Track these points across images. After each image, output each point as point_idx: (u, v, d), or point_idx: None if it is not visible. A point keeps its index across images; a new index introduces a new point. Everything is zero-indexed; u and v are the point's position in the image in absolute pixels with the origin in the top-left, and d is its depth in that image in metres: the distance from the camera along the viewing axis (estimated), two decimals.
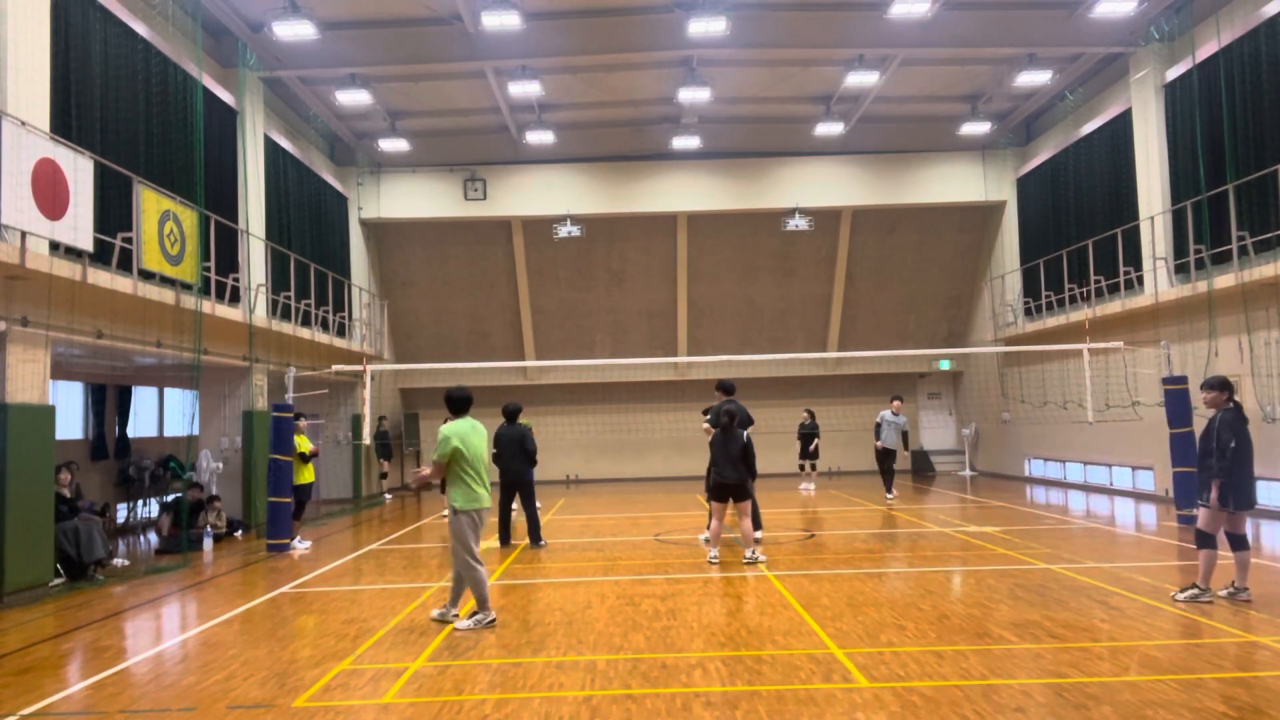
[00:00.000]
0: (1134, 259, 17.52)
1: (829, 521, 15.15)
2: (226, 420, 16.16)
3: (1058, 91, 20.51)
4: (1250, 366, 14.30)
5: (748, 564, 10.73)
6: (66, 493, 11.88)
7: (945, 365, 26.21)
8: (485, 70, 18.13)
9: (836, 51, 18.19)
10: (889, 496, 17.83)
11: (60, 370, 13.93)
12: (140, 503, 16.90)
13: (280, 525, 13.25)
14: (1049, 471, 21.86)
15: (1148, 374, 16.28)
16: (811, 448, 20.84)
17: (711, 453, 11.11)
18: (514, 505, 13.28)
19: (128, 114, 13.06)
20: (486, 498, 8.08)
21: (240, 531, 15.16)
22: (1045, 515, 15.30)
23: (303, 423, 13.93)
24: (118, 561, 12.17)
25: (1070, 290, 19.74)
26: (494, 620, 7.99)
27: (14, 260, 9.42)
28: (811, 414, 21.08)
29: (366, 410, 16.17)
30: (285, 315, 17.46)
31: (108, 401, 16.80)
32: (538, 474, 13.47)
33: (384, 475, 22.92)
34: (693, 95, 19.05)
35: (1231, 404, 8.18)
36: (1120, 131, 18.40)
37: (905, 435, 18.14)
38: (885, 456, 18.00)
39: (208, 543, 13.91)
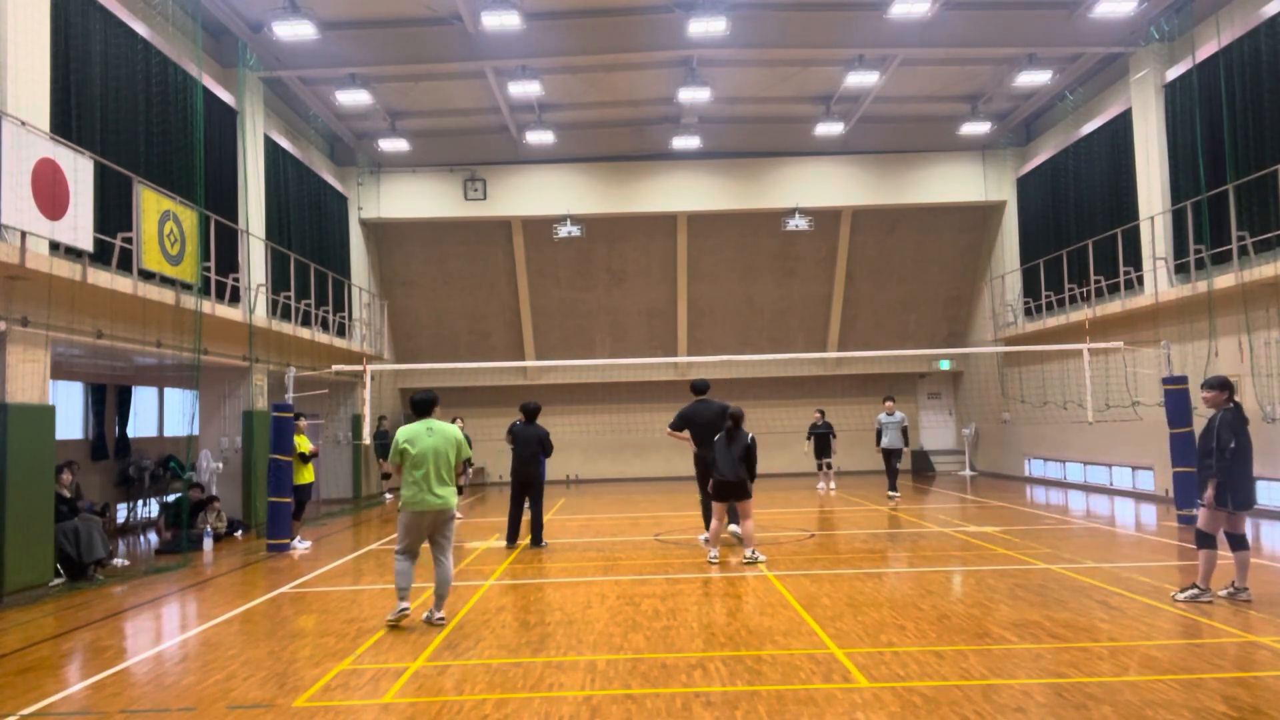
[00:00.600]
0: (1134, 259, 17.52)
1: (829, 521, 15.15)
2: (226, 420, 16.15)
3: (1058, 91, 20.51)
4: (1250, 366, 14.29)
5: (747, 563, 10.74)
6: (67, 493, 11.88)
7: (945, 365, 26.21)
8: (485, 70, 18.13)
9: (836, 51, 18.18)
10: (892, 495, 17.84)
11: (60, 370, 13.93)
12: (140, 503, 16.90)
13: (280, 525, 13.25)
14: (1049, 471, 21.86)
15: (1148, 374, 16.28)
16: (832, 447, 20.79)
17: (715, 452, 11.11)
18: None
19: (128, 114, 13.05)
20: (429, 501, 7.96)
21: (240, 531, 15.16)
22: (1045, 515, 15.30)
23: (303, 423, 13.93)
24: (118, 561, 12.17)
25: (1070, 290, 19.74)
26: (404, 610, 8.00)
27: (14, 260, 9.42)
28: (823, 413, 21.01)
29: (366, 410, 16.16)
30: (285, 315, 17.46)
31: (108, 401, 16.80)
32: None
33: (386, 475, 22.90)
34: (693, 95, 19.04)
35: (1231, 404, 8.19)
36: (1120, 131, 18.40)
37: (905, 432, 18.16)
38: (890, 456, 18.05)
39: (208, 543, 13.91)
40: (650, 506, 18.29)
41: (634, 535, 13.86)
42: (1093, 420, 15.96)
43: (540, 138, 21.45)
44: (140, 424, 17.79)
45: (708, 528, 12.15)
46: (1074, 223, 20.22)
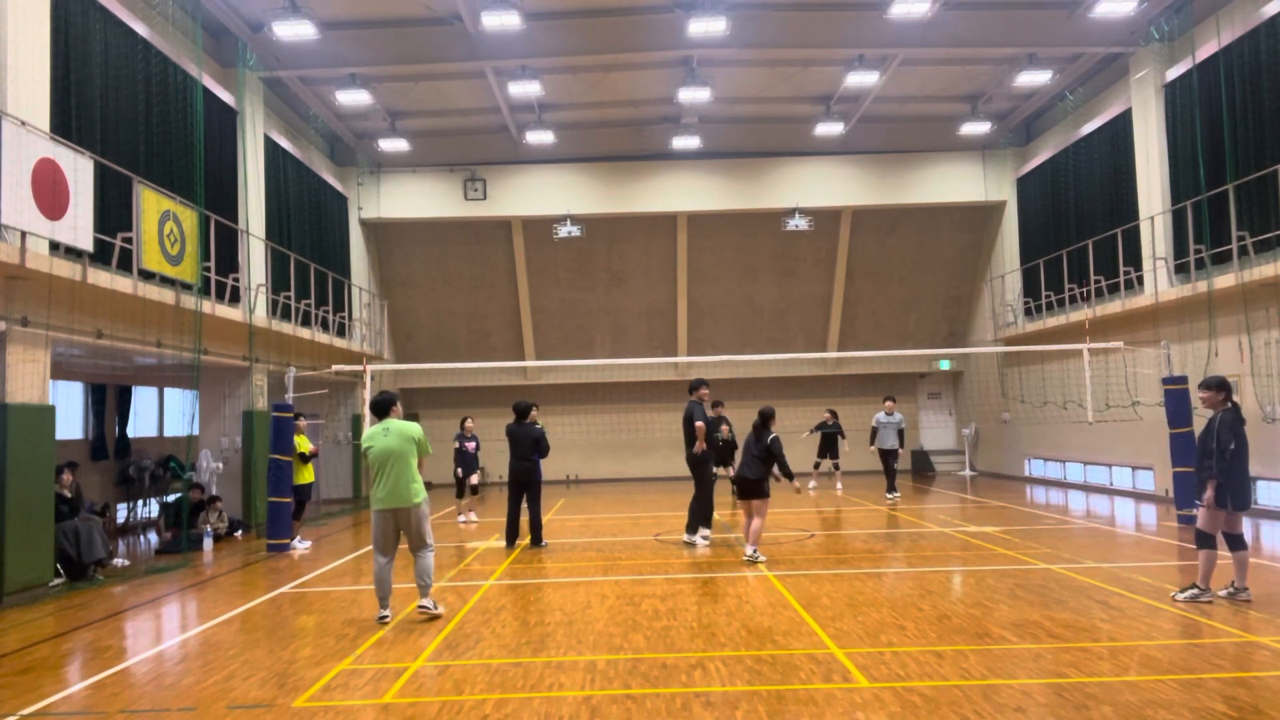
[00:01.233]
0: (1134, 259, 17.52)
1: (829, 521, 15.15)
2: (226, 420, 16.16)
3: (1058, 91, 20.51)
4: (1250, 366, 14.29)
5: (748, 562, 10.75)
6: (67, 493, 11.89)
7: (945, 365, 26.21)
8: (485, 70, 18.13)
9: (836, 51, 18.18)
10: (890, 496, 17.83)
11: (60, 370, 13.93)
12: (140, 503, 16.90)
13: (280, 525, 13.25)
14: (1049, 471, 21.86)
15: (1148, 374, 16.28)
16: (838, 448, 20.63)
17: (741, 450, 11.43)
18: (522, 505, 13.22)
19: (128, 114, 13.06)
20: (388, 500, 8.14)
21: (240, 531, 15.16)
22: (1045, 515, 15.30)
23: (303, 423, 13.93)
24: (118, 561, 12.17)
25: (1070, 290, 19.74)
26: (384, 617, 8.19)
27: (14, 260, 9.42)
28: (834, 414, 20.78)
29: (366, 410, 16.15)
30: (285, 315, 17.46)
31: (108, 401, 16.80)
32: None
33: None
34: (693, 95, 19.04)
35: (1230, 404, 8.19)
36: (1120, 131, 18.40)
37: (902, 433, 18.10)
38: (888, 456, 18.00)
39: (208, 543, 13.91)
40: (650, 506, 18.29)
41: (634, 535, 13.86)
42: (1093, 420, 15.96)
43: (540, 138, 21.45)
44: (140, 424, 17.79)
45: (691, 531, 12.43)
46: (1074, 223, 20.22)
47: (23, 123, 9.56)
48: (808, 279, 25.27)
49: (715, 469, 14.18)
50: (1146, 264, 17.03)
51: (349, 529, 16.21)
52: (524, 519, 13.02)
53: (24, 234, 9.49)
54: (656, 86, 20.11)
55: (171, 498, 15.74)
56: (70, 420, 15.90)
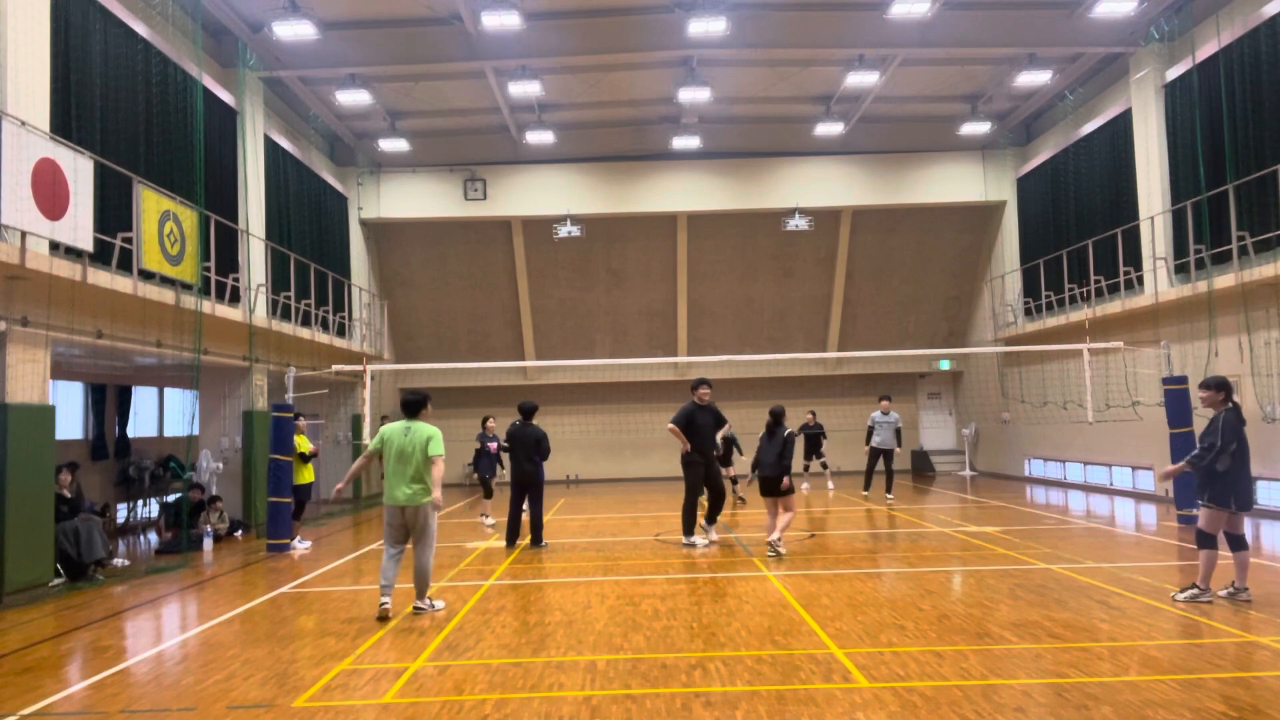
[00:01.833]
0: (1134, 259, 17.52)
1: (829, 522, 15.15)
2: (226, 420, 16.16)
3: (1058, 91, 20.51)
4: (1250, 366, 14.30)
5: (771, 556, 11.08)
6: (67, 493, 11.89)
7: (945, 365, 26.21)
8: (485, 70, 18.13)
9: (836, 51, 18.19)
10: (889, 498, 17.81)
11: (60, 370, 13.94)
12: (140, 503, 16.90)
13: (280, 525, 13.25)
14: (1049, 471, 21.86)
15: (1148, 374, 16.28)
16: (822, 449, 20.71)
17: (758, 449, 11.62)
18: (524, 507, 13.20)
19: (128, 114, 13.05)
20: (397, 496, 8.39)
21: (240, 531, 15.15)
22: (1045, 515, 15.30)
23: (302, 423, 13.92)
24: (118, 561, 12.17)
25: (1070, 290, 19.74)
26: (384, 605, 8.34)
27: (14, 260, 9.42)
28: (814, 414, 20.98)
29: (366, 410, 16.17)
30: (285, 315, 17.46)
31: (108, 401, 16.79)
32: None
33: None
34: (693, 95, 19.05)
35: (1230, 404, 8.19)
36: (1120, 131, 18.40)
37: (899, 433, 18.06)
38: (885, 457, 17.94)
39: (207, 543, 13.90)
40: (650, 506, 18.29)
41: (634, 535, 13.86)
42: (1093, 420, 15.96)
43: (540, 138, 21.45)
44: (140, 424, 17.79)
45: (687, 533, 12.45)
46: (1074, 223, 20.22)
47: (23, 123, 9.56)
48: (808, 279, 25.27)
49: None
50: (1146, 264, 17.03)
51: (349, 529, 16.21)
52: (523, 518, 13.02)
53: (24, 234, 9.50)
54: (656, 86, 20.11)
55: (171, 498, 15.74)
56: (70, 420, 15.90)
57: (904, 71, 19.31)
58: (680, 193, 23.50)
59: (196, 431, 14.17)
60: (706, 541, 12.39)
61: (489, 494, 15.90)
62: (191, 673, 6.79)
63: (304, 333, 17.83)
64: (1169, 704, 5.48)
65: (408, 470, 8.38)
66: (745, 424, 18.91)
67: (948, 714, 5.42)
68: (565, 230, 23.00)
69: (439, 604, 8.72)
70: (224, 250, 15.07)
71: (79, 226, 10.24)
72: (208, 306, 13.48)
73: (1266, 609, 7.84)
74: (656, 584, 9.80)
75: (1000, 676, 6.14)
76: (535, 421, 13.05)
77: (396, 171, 23.35)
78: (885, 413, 18.08)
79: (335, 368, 16.97)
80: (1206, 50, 15.62)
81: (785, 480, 11.23)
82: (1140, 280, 17.35)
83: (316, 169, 20.78)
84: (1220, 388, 8.27)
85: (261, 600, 9.63)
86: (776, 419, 11.51)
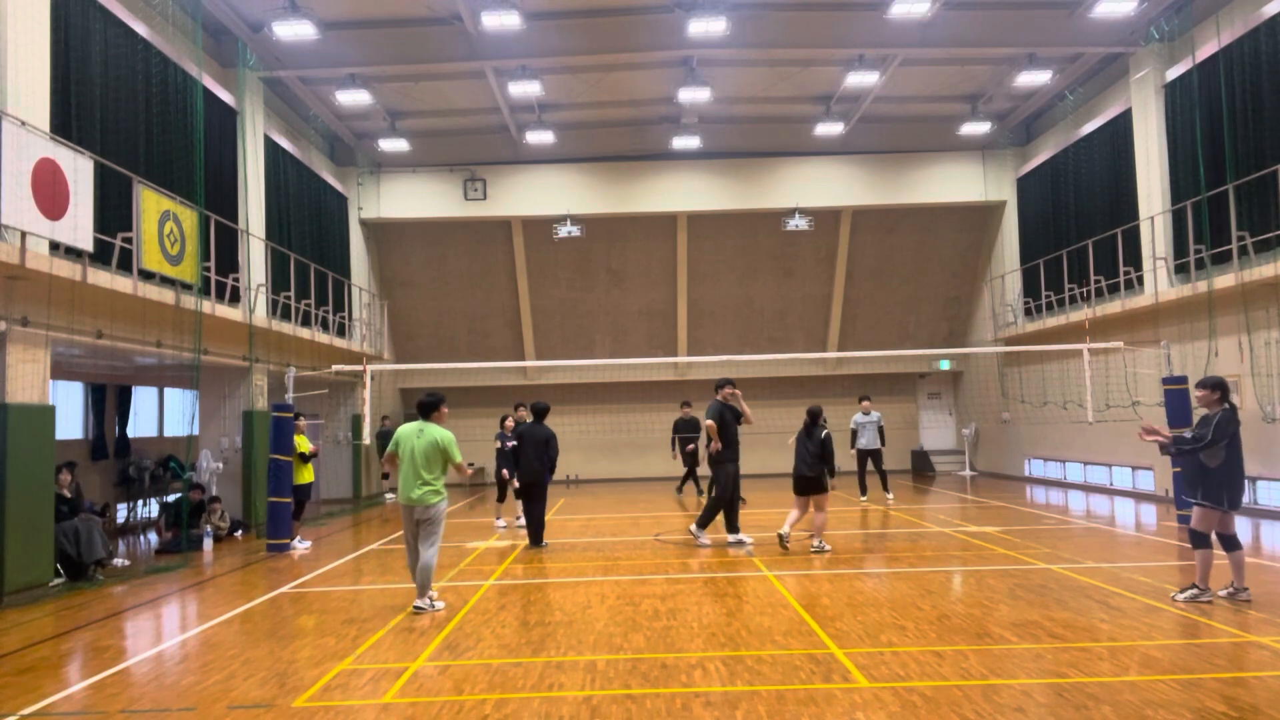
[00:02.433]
0: (1134, 259, 17.51)
1: (829, 522, 15.12)
2: (226, 420, 16.15)
3: (1058, 91, 20.50)
4: (1250, 366, 14.30)
5: (815, 552, 11.29)
6: (66, 493, 11.89)
7: (945, 365, 26.20)
8: (485, 70, 18.13)
9: (836, 51, 18.18)
10: (888, 497, 17.81)
11: (60, 370, 13.93)
12: (140, 503, 16.90)
13: (280, 525, 13.25)
14: (1049, 471, 21.86)
15: (1148, 374, 16.28)
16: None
17: (795, 449, 11.75)
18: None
19: (128, 114, 13.05)
20: (408, 496, 8.67)
21: (240, 531, 15.15)
22: (1045, 515, 15.30)
23: (302, 423, 13.92)
24: (118, 561, 12.17)
25: (1070, 290, 19.74)
26: (422, 607, 8.65)
27: (14, 260, 9.43)
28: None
29: (367, 410, 16.17)
30: (285, 315, 17.46)
31: (108, 401, 16.79)
32: None
33: (385, 475, 22.90)
34: (693, 95, 19.04)
35: (1227, 404, 8.21)
36: (1120, 131, 18.40)
37: (882, 431, 17.97)
38: (874, 457, 17.90)
39: (207, 543, 13.90)
40: (650, 506, 18.29)
41: (634, 535, 13.87)
42: (1093, 420, 15.95)
43: (540, 138, 21.45)
44: (140, 424, 17.79)
45: (732, 529, 12.46)
46: (1074, 223, 20.22)
47: (23, 123, 9.56)
48: (808, 279, 25.26)
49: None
50: (1146, 264, 17.02)
51: (349, 529, 16.22)
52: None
53: (24, 234, 9.50)
54: (656, 86, 20.10)
55: (171, 498, 15.74)
56: (70, 420, 15.90)
57: (904, 71, 19.31)
58: (680, 193, 23.50)
59: (196, 431, 14.18)
60: (709, 541, 12.41)
61: (502, 497, 15.76)
62: (191, 673, 6.80)
63: (304, 333, 17.83)
64: (1169, 704, 5.48)
65: (419, 471, 8.63)
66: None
67: (948, 714, 5.42)
68: (565, 230, 23.00)
69: (440, 604, 8.82)
70: (224, 250, 15.07)
71: (79, 226, 10.24)
72: (208, 306, 13.48)
73: (1266, 609, 7.84)
74: (656, 584, 9.80)
75: (1000, 676, 6.14)
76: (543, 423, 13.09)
77: (396, 171, 23.35)
78: (866, 413, 18.05)
79: (335, 368, 16.97)
80: (1206, 50, 15.62)
81: (830, 481, 11.47)
82: (1140, 280, 17.35)
83: (316, 169, 20.78)
84: (1216, 388, 8.29)
85: (261, 600, 9.63)
86: (814, 418, 11.65)
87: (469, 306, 25.38)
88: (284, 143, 18.91)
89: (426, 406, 8.99)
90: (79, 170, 10.27)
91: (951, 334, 26.16)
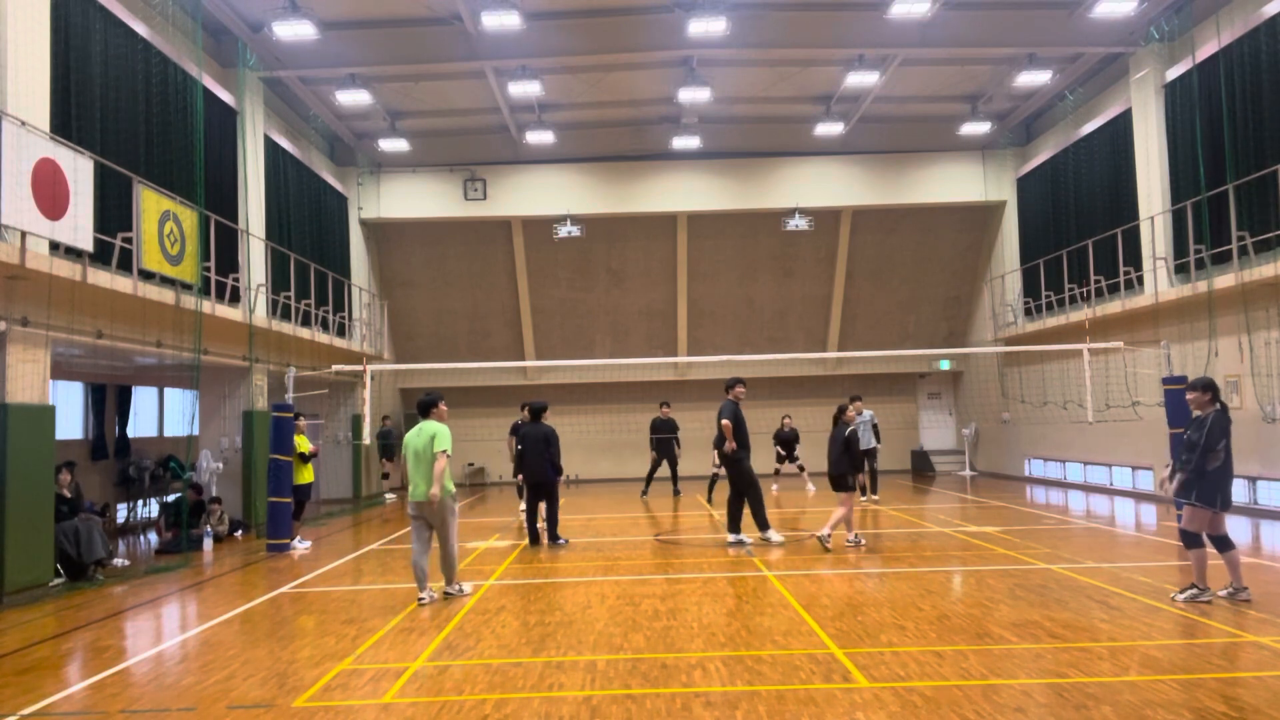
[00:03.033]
0: (1134, 259, 17.52)
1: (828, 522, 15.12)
2: (226, 420, 16.15)
3: (1058, 91, 20.50)
4: (1250, 366, 14.30)
5: (819, 541, 11.63)
6: (66, 493, 11.88)
7: (945, 365, 26.20)
8: (485, 70, 18.13)
9: (836, 51, 18.19)
10: (873, 497, 17.68)
11: (60, 370, 13.93)
12: (140, 503, 16.90)
13: (280, 525, 13.25)
14: (1049, 471, 21.86)
15: (1148, 374, 16.28)
16: (795, 452, 20.53)
17: (829, 447, 11.84)
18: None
19: (128, 114, 13.05)
20: (413, 492, 9.13)
21: (240, 532, 15.15)
22: (1045, 515, 15.30)
23: (302, 423, 13.92)
24: (118, 561, 12.17)
25: (1070, 290, 19.74)
26: (420, 600, 9.05)
27: (14, 260, 9.43)
28: (789, 418, 20.86)
29: (367, 410, 16.16)
30: (285, 315, 17.46)
31: (108, 401, 16.79)
32: None
33: (385, 475, 22.93)
34: (693, 95, 19.04)
35: (1219, 405, 8.21)
36: (1120, 131, 18.40)
37: (876, 429, 17.86)
38: (868, 457, 17.80)
39: (207, 543, 13.90)
40: (650, 506, 18.28)
41: (634, 535, 13.86)
42: (1093, 420, 15.96)
43: (540, 138, 21.45)
44: (140, 424, 17.79)
45: (734, 530, 12.47)
46: (1074, 223, 20.22)
47: (23, 123, 9.57)
48: (807, 279, 25.26)
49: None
50: (1146, 264, 17.03)
51: (349, 529, 16.22)
52: (521, 517, 13.01)
53: (24, 234, 9.50)
54: (656, 86, 20.11)
55: (171, 498, 15.74)
56: (70, 420, 15.90)
57: (904, 71, 19.31)
58: (680, 193, 23.50)
59: (196, 431, 14.17)
60: (752, 541, 12.29)
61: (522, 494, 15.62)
62: (191, 673, 6.80)
63: (304, 333, 17.83)
64: (1169, 704, 5.48)
65: (422, 468, 9.08)
66: (751, 425, 18.81)
67: (948, 714, 5.42)
68: (565, 230, 23.00)
69: (467, 587, 9.51)
70: (224, 250, 15.07)
71: (79, 226, 10.24)
72: (208, 306, 13.49)
73: (1266, 609, 7.84)
74: (656, 584, 9.80)
75: (1000, 676, 6.14)
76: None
77: (396, 171, 23.35)
78: (859, 413, 17.96)
79: (335, 368, 16.97)
80: (1206, 50, 15.62)
81: (852, 478, 11.60)
82: (1140, 280, 17.35)
83: (316, 169, 20.78)
84: (1207, 389, 8.30)
85: (261, 600, 9.63)
86: (836, 418, 11.85)
87: (469, 306, 25.39)
88: (284, 143, 18.91)
89: (425, 405, 9.39)
90: (79, 170, 10.27)
91: (951, 334, 26.16)
